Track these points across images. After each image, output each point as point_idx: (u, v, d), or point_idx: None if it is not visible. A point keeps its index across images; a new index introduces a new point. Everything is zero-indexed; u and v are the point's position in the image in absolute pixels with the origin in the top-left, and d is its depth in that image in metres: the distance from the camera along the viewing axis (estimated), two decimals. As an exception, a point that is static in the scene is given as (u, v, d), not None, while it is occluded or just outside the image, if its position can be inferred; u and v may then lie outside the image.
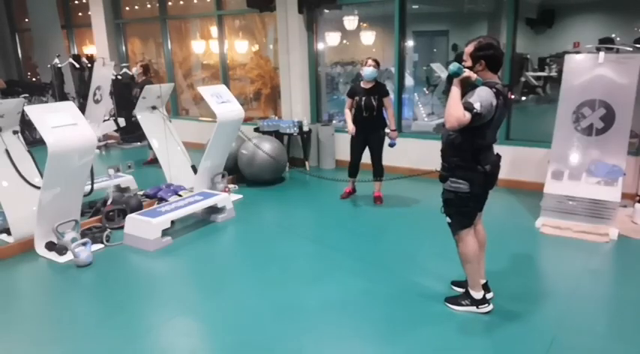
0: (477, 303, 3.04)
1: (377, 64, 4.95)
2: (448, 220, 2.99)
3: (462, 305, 3.08)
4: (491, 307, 3.06)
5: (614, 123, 4.43)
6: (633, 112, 4.41)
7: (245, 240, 4.56)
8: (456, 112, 2.61)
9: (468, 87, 2.74)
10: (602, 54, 4.44)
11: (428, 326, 2.97)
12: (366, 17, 7.95)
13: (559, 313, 3.06)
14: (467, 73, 2.70)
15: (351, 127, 5.12)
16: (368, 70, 4.91)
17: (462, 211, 2.92)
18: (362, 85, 5.04)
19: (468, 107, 2.61)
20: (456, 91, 2.69)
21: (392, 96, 5.17)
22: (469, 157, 2.79)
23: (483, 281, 3.13)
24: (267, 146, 6.03)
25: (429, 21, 10.25)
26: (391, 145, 5.15)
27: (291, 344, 2.82)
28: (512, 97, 2.77)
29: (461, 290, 3.20)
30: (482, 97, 2.63)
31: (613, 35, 7.97)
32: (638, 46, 5.18)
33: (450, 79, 2.76)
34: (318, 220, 5.08)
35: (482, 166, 2.80)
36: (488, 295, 3.12)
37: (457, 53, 8.11)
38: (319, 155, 7.03)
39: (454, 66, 2.71)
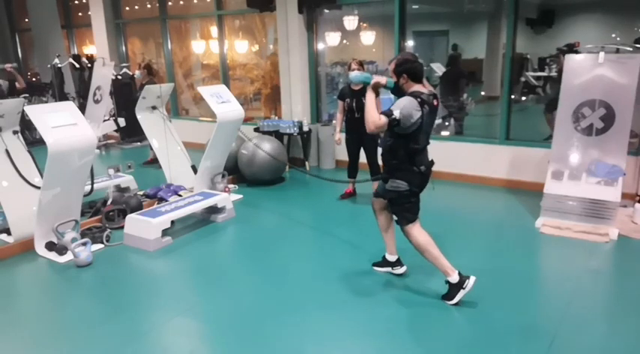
0: (459, 286, 3.12)
1: (361, 65, 5.01)
2: (395, 218, 3.29)
3: (456, 296, 3.14)
4: (474, 278, 3.11)
5: (614, 123, 4.43)
6: (633, 112, 4.41)
7: (245, 240, 4.56)
8: (371, 117, 2.97)
9: (384, 89, 3.14)
10: (602, 54, 4.44)
11: (428, 326, 2.97)
12: (366, 17, 7.95)
13: (559, 313, 3.06)
14: (375, 78, 3.08)
15: (337, 136, 5.30)
16: (352, 74, 4.94)
17: (406, 206, 3.20)
18: (352, 87, 5.06)
19: (387, 113, 2.92)
20: (370, 97, 3.05)
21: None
22: (406, 160, 3.10)
23: (395, 258, 3.57)
24: (267, 146, 6.03)
25: (429, 21, 10.26)
26: (381, 146, 5.17)
27: (291, 344, 2.82)
28: (437, 104, 3.12)
29: (380, 270, 3.63)
30: (402, 106, 2.93)
31: (613, 35, 7.97)
32: (638, 46, 5.18)
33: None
34: (318, 220, 5.08)
35: (418, 167, 3.11)
36: (402, 269, 3.55)
37: (450, 55, 8.13)
38: (319, 155, 7.04)
39: (362, 75, 3.20)
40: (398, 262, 3.59)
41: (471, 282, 3.12)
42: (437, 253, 3.17)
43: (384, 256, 3.63)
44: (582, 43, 6.03)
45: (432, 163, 3.24)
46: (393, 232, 3.53)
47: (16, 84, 8.49)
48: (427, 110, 2.99)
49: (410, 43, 6.82)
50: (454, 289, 3.14)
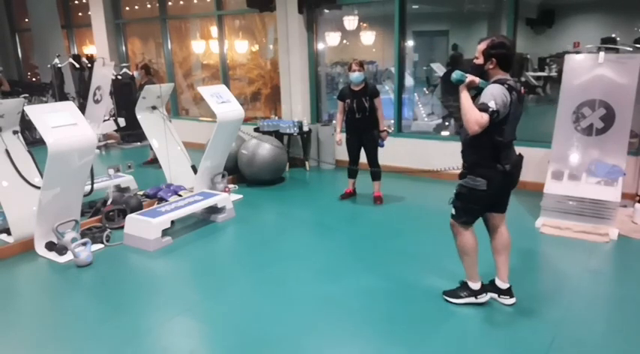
0: (475, 293, 3.08)
1: (362, 66, 4.99)
2: (453, 211, 3.00)
3: (461, 297, 3.12)
4: (488, 296, 3.11)
5: (614, 123, 4.43)
6: (633, 112, 4.41)
7: (245, 240, 4.56)
8: (473, 117, 2.63)
9: (473, 91, 2.81)
10: (602, 54, 4.44)
11: (427, 325, 2.96)
12: (366, 17, 7.95)
13: (559, 313, 3.06)
14: (469, 78, 2.78)
15: (338, 137, 5.28)
16: (354, 75, 4.97)
17: (469, 207, 2.93)
18: (352, 87, 5.06)
19: (483, 108, 2.63)
20: (465, 96, 2.74)
21: (382, 96, 5.20)
22: (488, 155, 2.79)
23: (507, 286, 3.12)
24: (267, 146, 6.03)
25: (429, 21, 10.25)
26: (380, 146, 5.18)
27: (292, 344, 2.82)
28: (524, 91, 2.86)
29: (494, 296, 3.18)
30: (495, 95, 2.65)
31: (613, 35, 7.97)
32: (638, 46, 5.18)
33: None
34: (318, 220, 5.08)
35: (503, 164, 2.79)
36: (511, 300, 3.12)
37: (451, 55, 8.12)
38: (319, 155, 7.04)
39: (457, 74, 2.79)
40: (508, 291, 3.12)
41: (485, 298, 3.08)
42: (474, 261, 3.04)
43: (492, 280, 3.17)
44: (582, 43, 6.03)
45: (520, 158, 2.93)
46: (508, 255, 3.11)
47: (2, 87, 8.56)
48: (515, 97, 2.70)
49: (410, 43, 6.81)
50: (466, 291, 3.10)
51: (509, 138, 2.85)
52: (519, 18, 5.79)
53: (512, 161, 2.86)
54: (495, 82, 2.74)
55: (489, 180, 2.80)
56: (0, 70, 8.83)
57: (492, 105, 2.61)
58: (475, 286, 3.08)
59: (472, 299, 3.09)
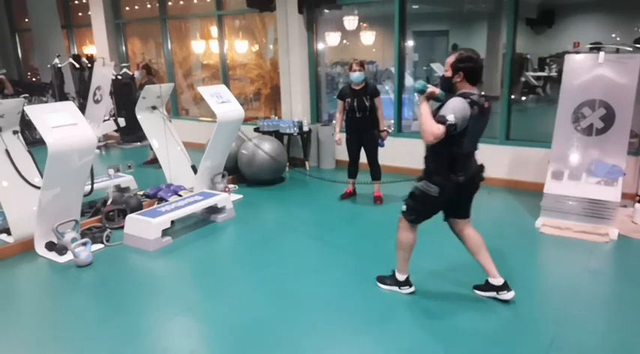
0: (399, 284, 3.31)
1: (362, 66, 5.00)
2: (403, 208, 3.16)
3: (387, 285, 3.37)
4: (412, 289, 3.30)
5: (614, 123, 4.43)
6: (633, 112, 4.41)
7: (245, 240, 4.56)
8: (429, 128, 2.74)
9: (433, 100, 2.96)
10: (602, 54, 4.44)
11: (427, 324, 2.97)
12: (366, 17, 7.95)
13: (559, 313, 3.06)
14: (430, 88, 2.92)
15: (337, 136, 5.28)
16: (354, 75, 4.97)
17: (419, 209, 3.09)
18: (352, 87, 5.06)
19: (441, 120, 2.72)
20: (424, 107, 2.88)
21: (382, 96, 5.21)
22: (444, 165, 2.91)
23: (501, 281, 3.14)
24: (267, 146, 6.03)
25: (429, 21, 10.26)
26: (380, 146, 5.18)
27: (292, 344, 2.82)
28: (488, 105, 2.93)
29: (483, 294, 3.23)
30: (455, 108, 2.74)
31: (613, 35, 7.97)
32: (638, 46, 5.18)
33: (421, 93, 2.95)
34: (318, 220, 5.08)
35: (457, 175, 2.91)
36: (509, 295, 3.13)
37: (453, 46, 8.12)
38: (319, 155, 7.04)
39: (419, 83, 2.94)
40: (505, 286, 3.15)
41: (408, 290, 3.29)
42: (408, 257, 3.23)
43: (486, 281, 3.21)
44: (582, 43, 6.03)
45: (480, 169, 3.05)
46: (487, 252, 3.18)
47: (5, 91, 8.54)
48: (476, 112, 2.79)
49: (410, 43, 6.82)
50: (392, 280, 3.34)
51: (468, 150, 2.95)
52: (519, 18, 5.79)
53: (470, 172, 2.97)
54: (460, 95, 2.82)
55: (442, 188, 2.94)
56: (3, 72, 8.78)
57: (451, 118, 2.71)
58: (401, 277, 3.30)
59: (395, 288, 3.32)
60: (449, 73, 2.90)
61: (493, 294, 3.17)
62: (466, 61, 2.85)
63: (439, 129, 2.70)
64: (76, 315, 3.25)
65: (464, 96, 2.80)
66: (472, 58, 2.86)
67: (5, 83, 8.63)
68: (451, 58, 2.90)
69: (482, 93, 2.91)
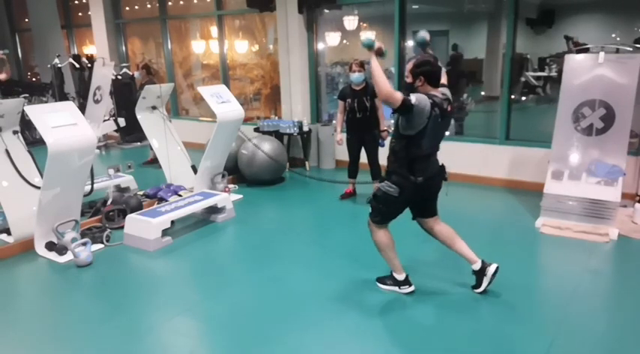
0: (399, 284, 3.31)
1: (362, 66, 5.00)
2: (370, 210, 3.21)
3: (387, 285, 3.37)
4: (412, 288, 3.30)
5: (614, 123, 4.43)
6: (633, 112, 4.41)
7: (245, 240, 4.56)
8: (383, 84, 2.78)
9: (380, 58, 2.98)
10: (602, 54, 4.44)
11: (427, 324, 2.97)
12: (366, 17, 7.94)
13: (559, 313, 3.06)
14: (378, 44, 2.94)
15: (339, 136, 5.28)
16: (354, 76, 4.98)
17: (382, 210, 3.15)
18: (352, 87, 5.07)
19: (405, 99, 2.77)
20: (375, 63, 2.90)
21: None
22: (404, 165, 2.99)
23: (479, 262, 3.21)
24: (267, 146, 6.03)
25: (429, 21, 10.25)
26: (381, 146, 5.18)
27: (291, 344, 2.82)
28: (451, 109, 3.02)
29: (482, 289, 3.26)
30: (419, 98, 2.82)
31: (613, 35, 7.97)
32: (638, 46, 5.18)
33: (369, 48, 2.96)
34: (318, 220, 5.08)
35: (415, 176, 2.98)
36: (494, 266, 3.19)
37: (451, 55, 8.11)
38: (319, 155, 7.04)
39: (367, 39, 2.96)
40: (483, 264, 3.21)
41: (409, 289, 3.29)
42: (392, 255, 3.25)
43: (473, 271, 3.25)
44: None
45: (441, 170, 3.14)
46: (461, 241, 3.27)
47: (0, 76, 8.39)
48: (436, 113, 2.87)
49: (410, 43, 6.81)
50: (391, 280, 3.33)
51: (427, 151, 3.01)
52: (519, 18, 5.79)
53: (429, 172, 3.03)
54: (424, 94, 2.89)
55: (402, 188, 3.01)
56: (6, 52, 8.54)
57: (413, 99, 2.78)
58: (399, 277, 3.30)
59: (396, 288, 3.32)
60: (410, 80, 2.99)
61: (485, 280, 3.21)
62: (423, 65, 2.94)
63: (397, 93, 2.76)
64: (76, 315, 3.25)
65: (428, 96, 2.88)
66: (429, 61, 2.96)
67: (5, 64, 8.45)
68: (409, 65, 3.00)
69: (447, 96, 2.99)
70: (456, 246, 3.27)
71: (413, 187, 3.01)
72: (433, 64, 2.96)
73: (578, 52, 4.74)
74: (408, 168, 2.99)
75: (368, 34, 2.98)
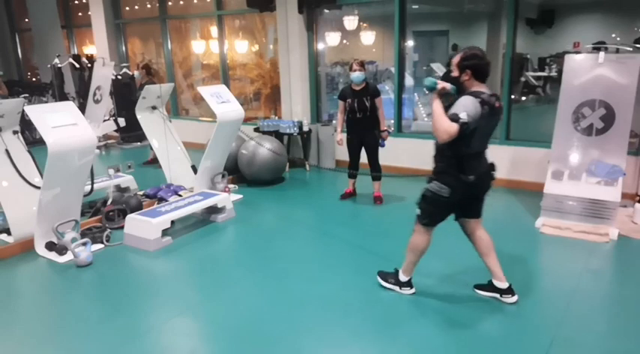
0: (400, 284, 3.29)
1: (362, 66, 5.00)
2: (417, 211, 3.12)
3: (388, 282, 3.35)
4: (413, 290, 3.28)
5: (614, 123, 4.43)
6: (633, 112, 4.41)
7: (245, 240, 4.56)
8: (442, 126, 2.70)
9: (445, 97, 2.85)
10: (602, 54, 4.44)
11: (428, 324, 2.96)
12: (366, 17, 7.95)
13: (559, 312, 3.06)
14: (440, 84, 2.83)
15: (339, 137, 5.28)
16: (354, 75, 4.97)
17: (432, 211, 3.04)
18: (353, 87, 5.07)
19: (454, 118, 2.68)
20: (436, 104, 2.80)
21: (382, 96, 5.21)
22: (454, 165, 2.87)
23: (507, 285, 3.14)
24: (268, 146, 6.03)
25: (429, 21, 10.26)
26: (381, 146, 5.18)
27: (291, 344, 2.82)
28: (499, 105, 2.89)
29: (484, 294, 3.23)
30: (467, 106, 2.70)
31: (613, 35, 7.97)
32: (638, 46, 5.18)
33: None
34: (318, 220, 5.08)
35: (466, 175, 2.86)
36: (513, 299, 3.12)
37: (451, 55, 8.11)
38: (319, 155, 7.03)
39: (428, 81, 2.86)
40: (509, 290, 3.14)
41: (409, 291, 3.27)
42: (417, 260, 3.20)
43: (490, 281, 3.20)
44: (582, 43, 6.03)
45: (491, 168, 3.01)
46: (495, 255, 3.16)
47: None
48: (486, 111, 2.74)
49: (410, 43, 6.82)
50: (394, 279, 3.32)
51: (477, 149, 2.91)
52: (519, 18, 5.79)
53: (479, 171, 2.92)
54: (470, 94, 2.77)
55: (452, 188, 2.90)
56: (0, 74, 8.78)
57: (463, 116, 2.66)
58: (404, 278, 3.28)
59: (396, 288, 3.31)
60: (456, 73, 2.86)
61: (496, 295, 3.17)
62: (471, 58, 2.82)
63: (452, 127, 2.66)
64: (76, 315, 3.25)
65: (474, 95, 2.75)
66: (477, 54, 2.83)
67: (1, 85, 8.63)
68: (456, 58, 2.86)
69: (494, 92, 2.87)
70: (490, 258, 3.16)
71: (464, 187, 2.88)
72: (482, 57, 2.82)
73: (594, 49, 4.63)
74: (457, 167, 2.86)
75: (429, 78, 2.88)
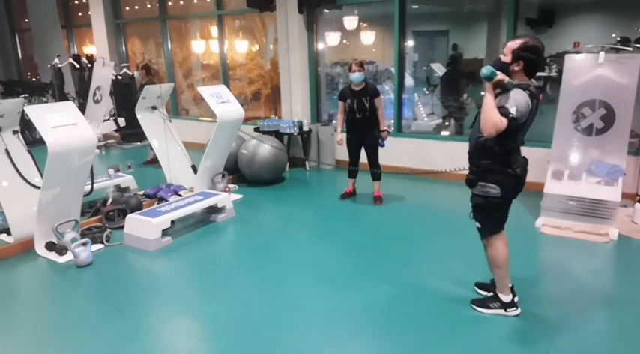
0: (505, 306, 3.00)
1: (362, 66, 4.99)
2: (478, 225, 2.93)
3: (491, 308, 3.02)
4: (519, 310, 3.00)
5: (614, 123, 4.43)
6: (633, 112, 4.41)
7: (245, 240, 4.56)
8: (493, 120, 2.52)
9: (498, 89, 2.65)
10: (602, 54, 4.44)
11: (426, 326, 2.96)
12: (366, 17, 7.95)
13: (559, 312, 3.06)
14: (500, 76, 2.59)
15: (339, 137, 5.28)
16: (354, 76, 4.97)
17: (493, 217, 2.86)
18: (352, 87, 5.07)
19: (504, 112, 2.52)
20: (489, 97, 2.59)
21: (382, 96, 5.21)
22: (500, 160, 2.71)
23: (509, 284, 3.05)
24: (269, 143, 6.04)
25: (429, 21, 10.25)
26: (381, 146, 5.18)
27: (291, 344, 2.82)
28: (542, 98, 2.76)
29: (484, 293, 3.19)
30: (518, 101, 2.54)
31: (613, 35, 7.96)
32: (638, 46, 5.18)
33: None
34: (318, 220, 5.08)
35: (513, 169, 2.72)
36: (514, 311, 3.02)
37: (451, 55, 8.11)
38: (319, 155, 7.04)
39: (486, 69, 2.59)
40: (511, 290, 3.03)
41: (515, 312, 2.98)
42: (506, 272, 2.95)
43: (492, 280, 3.09)
44: (582, 43, 6.03)
45: (526, 162, 2.87)
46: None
47: None
48: (534, 105, 2.60)
49: (410, 43, 6.82)
50: (496, 302, 3.00)
51: (520, 144, 2.78)
52: (519, 18, 5.79)
53: (521, 164, 2.80)
54: (518, 86, 2.61)
55: (502, 186, 2.73)
56: None
57: (513, 111, 2.51)
58: (506, 298, 2.98)
59: (501, 311, 3.00)
60: (507, 59, 2.65)
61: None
62: (531, 51, 2.61)
63: (502, 122, 2.50)
64: (76, 315, 3.25)
65: (523, 88, 2.58)
66: (538, 49, 2.62)
67: None
68: (515, 43, 2.64)
69: (537, 84, 2.72)
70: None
71: (513, 181, 2.74)
72: (540, 53, 2.63)
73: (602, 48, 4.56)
74: (503, 162, 2.71)
75: (487, 66, 2.60)
